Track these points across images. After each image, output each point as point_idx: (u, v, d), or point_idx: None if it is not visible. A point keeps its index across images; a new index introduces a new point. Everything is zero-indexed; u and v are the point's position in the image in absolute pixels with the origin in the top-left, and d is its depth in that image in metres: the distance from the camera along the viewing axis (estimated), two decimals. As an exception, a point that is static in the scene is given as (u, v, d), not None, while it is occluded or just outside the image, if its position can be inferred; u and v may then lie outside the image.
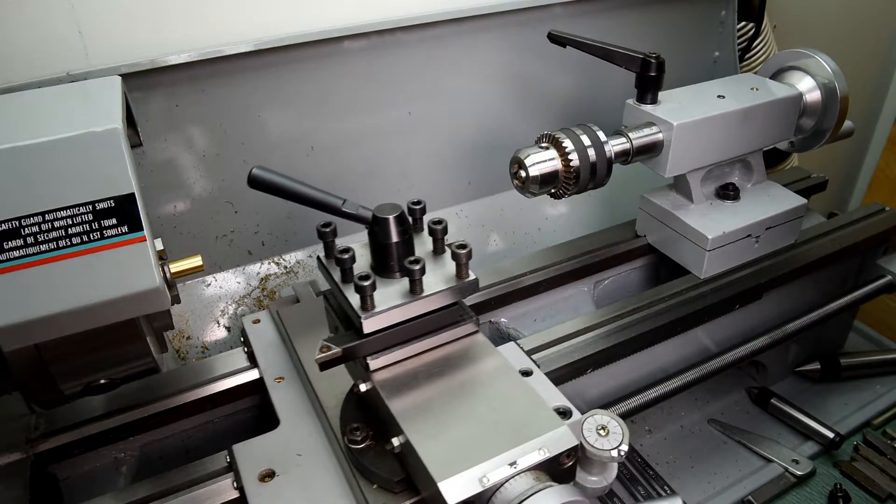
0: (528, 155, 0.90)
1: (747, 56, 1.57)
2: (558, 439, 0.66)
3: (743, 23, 1.54)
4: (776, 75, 1.16)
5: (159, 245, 0.66)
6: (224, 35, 1.07)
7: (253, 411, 0.98)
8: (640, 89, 1.00)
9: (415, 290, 0.70)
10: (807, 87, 1.11)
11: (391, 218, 0.70)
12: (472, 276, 0.72)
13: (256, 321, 1.01)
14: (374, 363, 0.72)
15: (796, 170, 1.37)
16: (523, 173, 0.90)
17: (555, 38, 1.05)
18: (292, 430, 0.82)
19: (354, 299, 0.69)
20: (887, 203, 1.26)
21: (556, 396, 0.80)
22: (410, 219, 0.77)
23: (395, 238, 0.70)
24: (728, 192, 1.09)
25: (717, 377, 1.07)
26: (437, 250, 0.76)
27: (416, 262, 0.68)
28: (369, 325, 0.69)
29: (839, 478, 1.08)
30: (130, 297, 0.62)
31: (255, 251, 1.24)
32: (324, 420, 0.82)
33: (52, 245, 0.58)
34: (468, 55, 1.27)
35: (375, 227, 0.71)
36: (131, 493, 0.78)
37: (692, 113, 0.99)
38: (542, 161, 0.90)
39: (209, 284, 1.21)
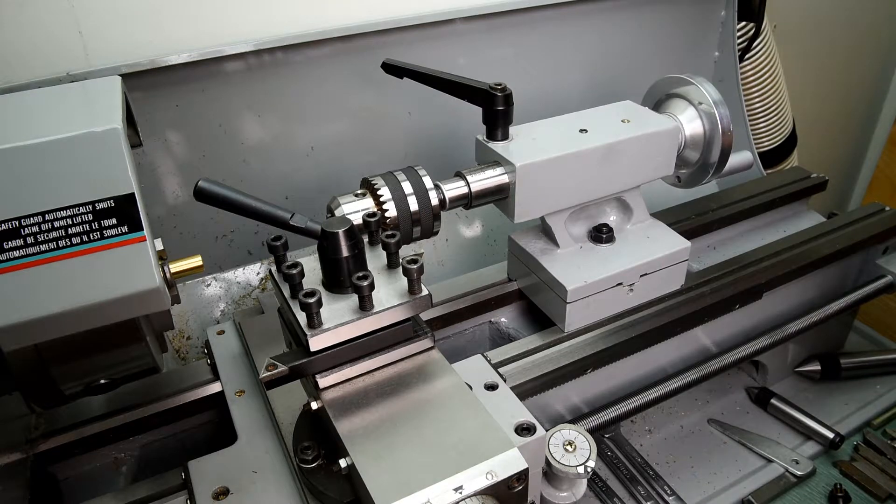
0: (340, 205, 0.81)
1: (747, 56, 1.57)
2: (507, 462, 0.63)
3: (743, 23, 1.54)
4: (659, 103, 1.05)
5: (159, 245, 0.66)
6: (224, 35, 1.07)
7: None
8: (487, 125, 0.90)
9: (364, 306, 0.68)
10: (688, 117, 1.00)
11: (340, 232, 0.68)
12: (424, 292, 0.70)
13: (221, 332, 0.99)
14: (323, 381, 0.70)
15: (796, 170, 1.38)
16: None
17: (389, 68, 0.94)
18: (249, 446, 0.80)
19: (301, 316, 0.67)
20: (887, 203, 1.26)
21: (519, 412, 0.75)
22: (367, 232, 0.76)
23: (344, 253, 0.69)
24: (601, 235, 0.98)
25: (717, 377, 1.07)
26: (392, 264, 0.74)
27: (365, 277, 0.66)
28: (316, 343, 0.67)
29: (839, 478, 1.08)
30: (130, 297, 0.62)
31: (255, 251, 1.24)
32: (280, 437, 0.81)
33: (52, 245, 0.58)
34: (466, 55, 1.28)
35: (324, 241, 0.69)
36: (131, 493, 0.78)
37: (542, 152, 0.88)
38: (354, 212, 0.80)
39: (209, 284, 1.21)
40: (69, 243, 0.58)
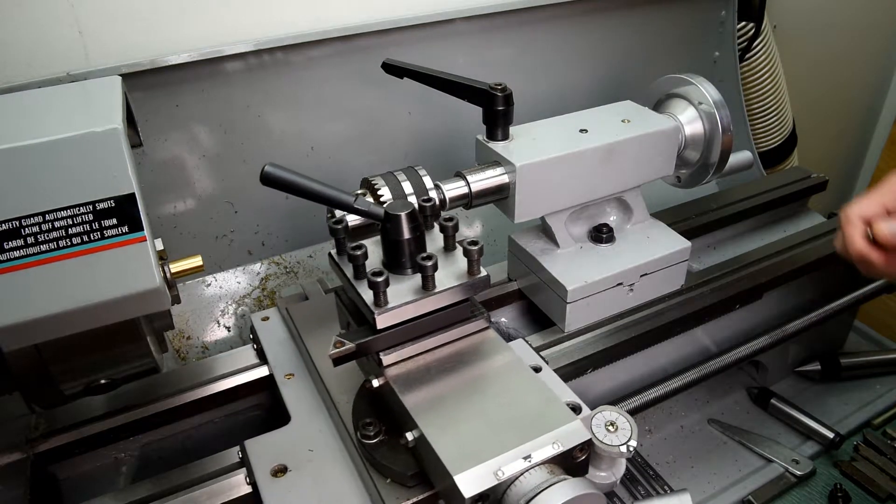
0: None
1: (747, 56, 1.57)
2: (571, 433, 0.66)
3: (743, 23, 1.54)
4: (659, 103, 1.05)
5: (159, 245, 0.66)
6: (224, 35, 1.07)
7: (254, 410, 0.98)
8: (487, 125, 0.91)
9: (427, 286, 0.71)
10: (688, 117, 1.00)
11: (403, 215, 0.71)
12: (483, 273, 0.73)
13: (265, 318, 1.01)
14: (386, 359, 0.73)
15: (796, 170, 1.38)
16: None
17: (390, 68, 0.94)
18: (303, 426, 0.83)
19: (367, 295, 0.70)
20: (887, 203, 1.26)
21: (565, 392, 0.80)
22: (421, 216, 0.77)
23: (406, 235, 0.71)
24: (601, 235, 0.99)
25: (717, 377, 1.07)
26: (448, 247, 0.76)
27: (429, 258, 0.69)
28: (382, 321, 0.70)
29: (839, 478, 1.08)
30: (130, 297, 0.62)
31: (255, 251, 1.24)
32: (335, 416, 0.82)
33: (53, 245, 0.58)
34: (468, 54, 1.27)
35: (388, 223, 0.71)
36: (131, 493, 0.78)
37: (542, 151, 0.89)
38: None
39: (209, 284, 1.21)
40: (69, 243, 0.58)
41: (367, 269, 0.69)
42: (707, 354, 1.08)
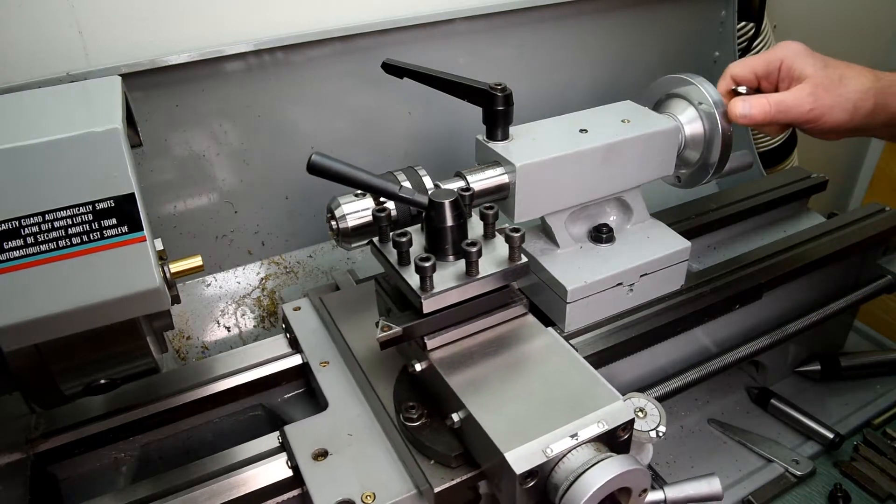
0: (340, 205, 0.80)
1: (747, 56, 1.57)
2: (616, 412, 0.68)
3: (743, 23, 1.54)
4: (659, 104, 1.05)
5: (159, 245, 0.66)
6: (224, 35, 1.07)
7: (256, 409, 0.98)
8: (487, 125, 0.90)
9: (471, 271, 0.73)
10: (688, 117, 1.00)
11: (447, 203, 0.73)
12: (524, 259, 0.75)
13: (297, 308, 1.03)
14: (431, 342, 0.75)
15: (796, 170, 1.38)
16: (335, 224, 0.80)
17: (390, 68, 0.94)
18: (341, 412, 0.85)
19: (413, 280, 0.72)
20: (887, 203, 1.26)
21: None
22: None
23: (449, 222, 0.74)
24: (601, 235, 0.98)
25: (717, 377, 1.07)
26: (488, 235, 0.79)
27: (473, 244, 0.71)
28: (429, 305, 0.72)
29: (839, 478, 1.08)
30: (130, 297, 0.62)
31: (255, 251, 1.25)
32: (373, 400, 0.84)
33: (52, 245, 0.58)
34: (468, 54, 1.28)
35: (432, 211, 0.73)
36: (131, 493, 0.78)
37: (542, 151, 0.88)
38: (355, 212, 0.80)
39: (209, 284, 1.21)
40: (69, 243, 0.59)
41: (413, 255, 0.71)
42: (707, 354, 1.08)
